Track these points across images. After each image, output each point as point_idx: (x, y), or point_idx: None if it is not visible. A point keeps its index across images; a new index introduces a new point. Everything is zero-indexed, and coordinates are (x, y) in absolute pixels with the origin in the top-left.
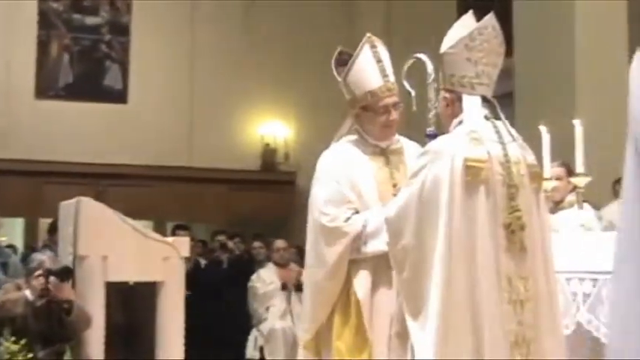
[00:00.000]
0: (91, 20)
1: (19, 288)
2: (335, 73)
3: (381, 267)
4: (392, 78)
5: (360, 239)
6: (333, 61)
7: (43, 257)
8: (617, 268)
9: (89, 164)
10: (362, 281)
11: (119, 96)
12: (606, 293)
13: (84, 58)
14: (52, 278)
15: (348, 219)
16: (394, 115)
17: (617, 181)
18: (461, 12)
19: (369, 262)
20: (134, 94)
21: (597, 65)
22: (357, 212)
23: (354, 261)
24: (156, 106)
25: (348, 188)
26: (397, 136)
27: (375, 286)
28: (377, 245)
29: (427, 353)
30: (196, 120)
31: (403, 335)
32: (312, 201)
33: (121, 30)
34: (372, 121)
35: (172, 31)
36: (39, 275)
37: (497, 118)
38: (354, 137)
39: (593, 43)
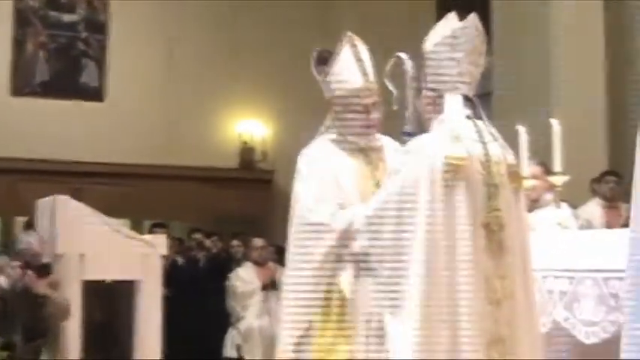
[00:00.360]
0: (67, 17)
1: None
2: (314, 71)
3: (365, 264)
4: (372, 77)
5: (346, 236)
6: (313, 60)
7: (30, 239)
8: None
9: (66, 162)
10: (347, 279)
11: (96, 94)
12: (623, 295)
13: (60, 56)
14: (29, 272)
15: (333, 215)
16: (374, 114)
17: (595, 180)
18: (440, 12)
19: (352, 258)
20: (111, 91)
21: (574, 65)
22: (342, 208)
23: (337, 257)
24: (133, 104)
25: (332, 185)
26: (377, 135)
27: (357, 283)
28: (364, 242)
29: (406, 350)
30: (173, 118)
31: (381, 332)
32: (296, 198)
33: (98, 27)
34: (352, 120)
35: (150, 28)
36: (17, 266)
37: (479, 117)
38: (333, 135)
39: (570, 43)
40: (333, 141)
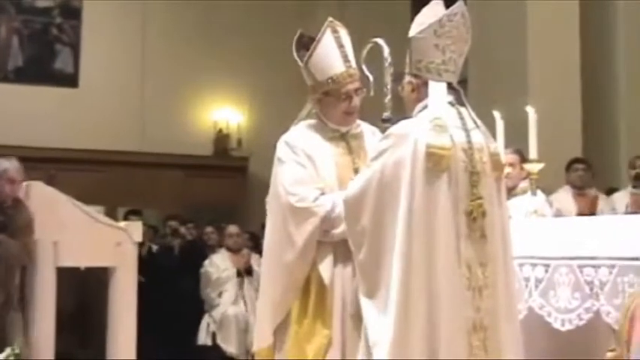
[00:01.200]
0: (41, 3)
1: None
2: (296, 56)
3: (343, 250)
4: (354, 64)
5: (328, 221)
6: (294, 45)
7: (7, 165)
8: None
9: (40, 148)
10: (326, 265)
11: (70, 80)
12: None
13: (34, 41)
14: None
15: (316, 199)
16: (356, 101)
17: (569, 167)
18: (414, 9)
19: (332, 245)
20: (85, 78)
21: (550, 52)
22: (323, 193)
23: (318, 243)
24: (107, 90)
25: (312, 170)
26: (357, 121)
27: (336, 269)
28: (344, 228)
29: (385, 337)
30: (148, 105)
31: (359, 317)
32: (276, 182)
33: (73, 13)
34: (333, 106)
35: (124, 14)
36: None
37: (462, 104)
38: (313, 121)
39: (545, 30)
40: (314, 127)
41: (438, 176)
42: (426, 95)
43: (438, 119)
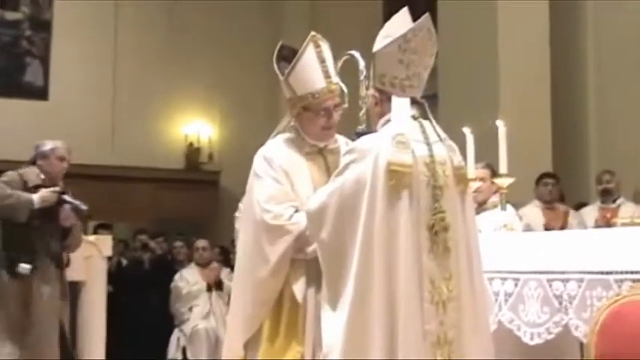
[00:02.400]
0: (11, 15)
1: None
2: (276, 69)
3: (317, 267)
4: (335, 79)
5: (302, 239)
6: (274, 57)
7: (56, 143)
8: None
9: (9, 161)
10: (300, 283)
11: (40, 93)
12: None
13: (4, 54)
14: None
15: (291, 217)
16: (335, 117)
17: (538, 181)
18: (386, 13)
19: (306, 262)
20: (55, 90)
21: (521, 68)
22: (297, 210)
23: (291, 261)
24: (78, 103)
25: (288, 186)
26: (336, 136)
27: (310, 286)
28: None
29: (336, 341)
30: (119, 118)
31: None
32: (251, 195)
33: (42, 26)
34: (312, 122)
35: (95, 27)
36: (54, 192)
37: (426, 118)
38: (291, 135)
39: (515, 45)
40: (291, 141)
41: (399, 193)
42: (389, 109)
43: (400, 135)
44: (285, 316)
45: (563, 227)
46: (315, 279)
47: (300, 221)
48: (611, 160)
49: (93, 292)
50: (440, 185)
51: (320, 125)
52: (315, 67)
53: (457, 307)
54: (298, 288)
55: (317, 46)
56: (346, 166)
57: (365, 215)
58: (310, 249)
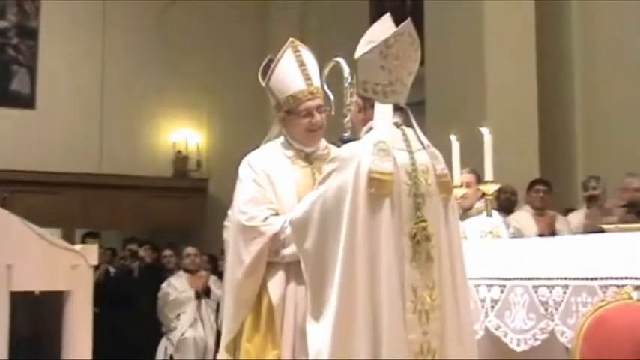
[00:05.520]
0: None
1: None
2: (260, 78)
3: (295, 271)
4: (316, 82)
5: (278, 241)
6: (260, 69)
7: None
8: None
9: None
10: (276, 285)
11: (27, 101)
12: None
13: None
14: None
15: (266, 219)
16: (317, 117)
17: (530, 188)
18: (373, 17)
19: (284, 265)
20: (43, 99)
21: (507, 74)
22: (276, 214)
23: (269, 263)
24: (65, 111)
25: (269, 190)
26: (325, 143)
27: (288, 289)
28: (293, 249)
29: (322, 350)
30: (106, 126)
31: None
32: (234, 201)
33: (29, 34)
34: (295, 125)
35: (82, 35)
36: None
37: (409, 125)
38: (280, 141)
39: (502, 52)
40: (278, 146)
41: (381, 201)
42: (372, 116)
43: (382, 143)
44: (263, 318)
45: (553, 233)
46: (294, 282)
47: (275, 223)
48: (598, 165)
49: (78, 302)
50: (422, 193)
51: (303, 127)
52: (294, 71)
53: (440, 317)
54: (274, 291)
55: (296, 50)
56: (329, 174)
57: (347, 224)
58: (286, 252)
